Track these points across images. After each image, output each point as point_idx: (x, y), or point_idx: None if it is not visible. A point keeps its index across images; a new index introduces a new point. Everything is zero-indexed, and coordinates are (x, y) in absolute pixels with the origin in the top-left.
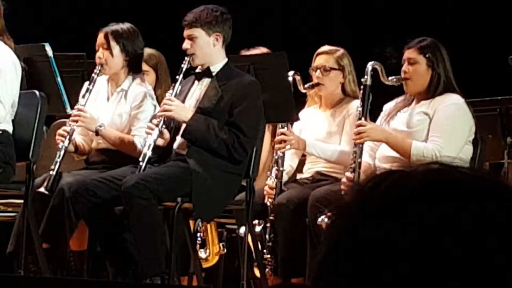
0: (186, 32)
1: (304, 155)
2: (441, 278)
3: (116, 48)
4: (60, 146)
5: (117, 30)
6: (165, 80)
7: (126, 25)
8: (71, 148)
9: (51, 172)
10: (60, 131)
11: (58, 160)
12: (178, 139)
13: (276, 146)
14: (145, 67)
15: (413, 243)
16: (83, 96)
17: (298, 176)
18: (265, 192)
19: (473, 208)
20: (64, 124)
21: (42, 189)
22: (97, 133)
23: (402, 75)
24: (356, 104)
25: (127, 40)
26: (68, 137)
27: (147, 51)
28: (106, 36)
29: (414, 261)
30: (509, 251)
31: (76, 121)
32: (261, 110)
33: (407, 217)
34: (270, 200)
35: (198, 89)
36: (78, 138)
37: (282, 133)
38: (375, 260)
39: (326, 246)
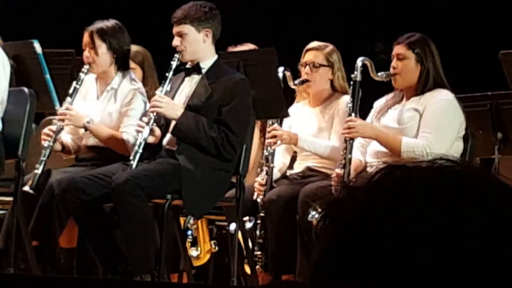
0: (175, 29)
1: (295, 152)
2: (453, 276)
3: (102, 46)
4: (45, 145)
5: (102, 28)
6: (151, 76)
7: (111, 22)
8: (58, 147)
9: (35, 171)
10: (46, 130)
11: (44, 159)
12: (168, 135)
13: (268, 141)
14: (131, 64)
15: (424, 240)
16: (70, 95)
17: (288, 172)
18: (255, 189)
19: (482, 203)
20: (52, 121)
21: (27, 188)
22: (85, 128)
23: (391, 70)
24: (345, 100)
25: (113, 37)
26: (53, 136)
27: (133, 48)
28: (91, 35)
29: (422, 258)
30: None
31: (63, 120)
32: (250, 108)
33: (419, 213)
34: (260, 196)
35: (188, 85)
36: (66, 137)
37: (273, 129)
38: (382, 257)
39: (324, 245)
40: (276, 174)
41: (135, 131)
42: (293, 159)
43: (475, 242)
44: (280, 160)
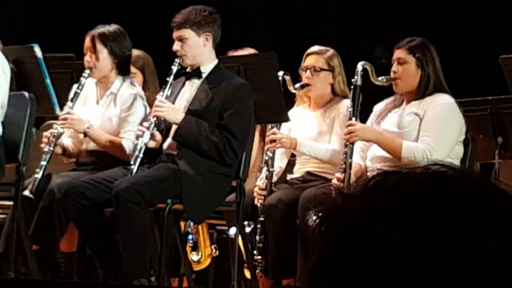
0: (175, 34)
1: (293, 155)
2: (447, 280)
3: (103, 51)
4: (46, 150)
5: (103, 33)
6: (152, 81)
7: (112, 27)
8: (59, 150)
9: (36, 176)
10: (46, 133)
11: (44, 163)
12: (168, 140)
13: (267, 146)
14: (132, 69)
15: (418, 245)
16: (71, 100)
17: (288, 176)
18: (255, 193)
19: (476, 207)
20: (53, 125)
21: (26, 192)
22: (85, 134)
23: (392, 75)
24: (346, 103)
25: (114, 42)
26: (54, 140)
27: (134, 52)
28: (93, 40)
29: (415, 262)
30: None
31: (64, 124)
32: (251, 113)
33: (413, 218)
34: (260, 201)
35: (188, 90)
36: (67, 141)
37: (273, 133)
38: (377, 262)
39: (320, 250)
40: (273, 178)
41: (134, 137)
42: (292, 163)
43: (470, 244)
44: (277, 164)
